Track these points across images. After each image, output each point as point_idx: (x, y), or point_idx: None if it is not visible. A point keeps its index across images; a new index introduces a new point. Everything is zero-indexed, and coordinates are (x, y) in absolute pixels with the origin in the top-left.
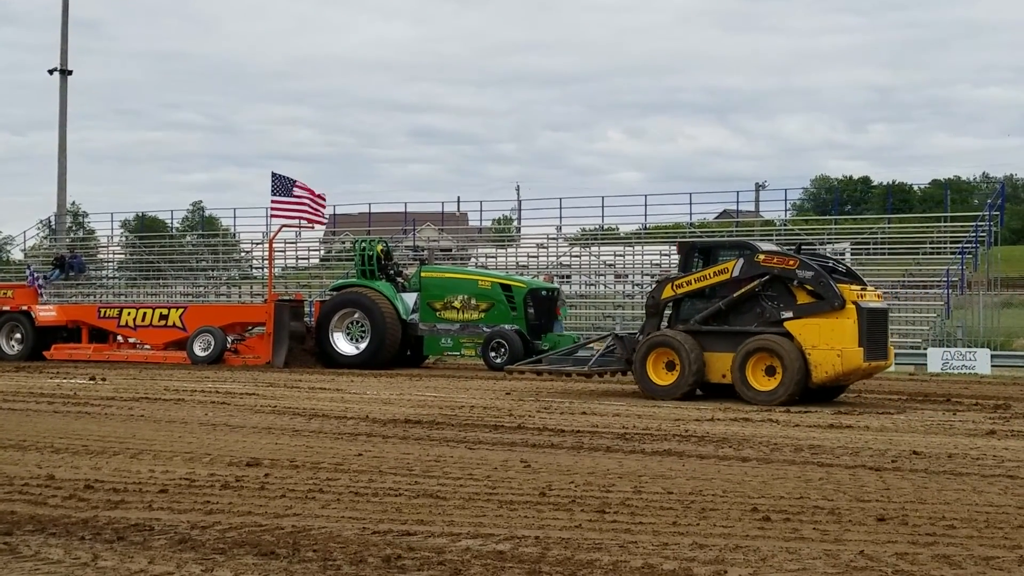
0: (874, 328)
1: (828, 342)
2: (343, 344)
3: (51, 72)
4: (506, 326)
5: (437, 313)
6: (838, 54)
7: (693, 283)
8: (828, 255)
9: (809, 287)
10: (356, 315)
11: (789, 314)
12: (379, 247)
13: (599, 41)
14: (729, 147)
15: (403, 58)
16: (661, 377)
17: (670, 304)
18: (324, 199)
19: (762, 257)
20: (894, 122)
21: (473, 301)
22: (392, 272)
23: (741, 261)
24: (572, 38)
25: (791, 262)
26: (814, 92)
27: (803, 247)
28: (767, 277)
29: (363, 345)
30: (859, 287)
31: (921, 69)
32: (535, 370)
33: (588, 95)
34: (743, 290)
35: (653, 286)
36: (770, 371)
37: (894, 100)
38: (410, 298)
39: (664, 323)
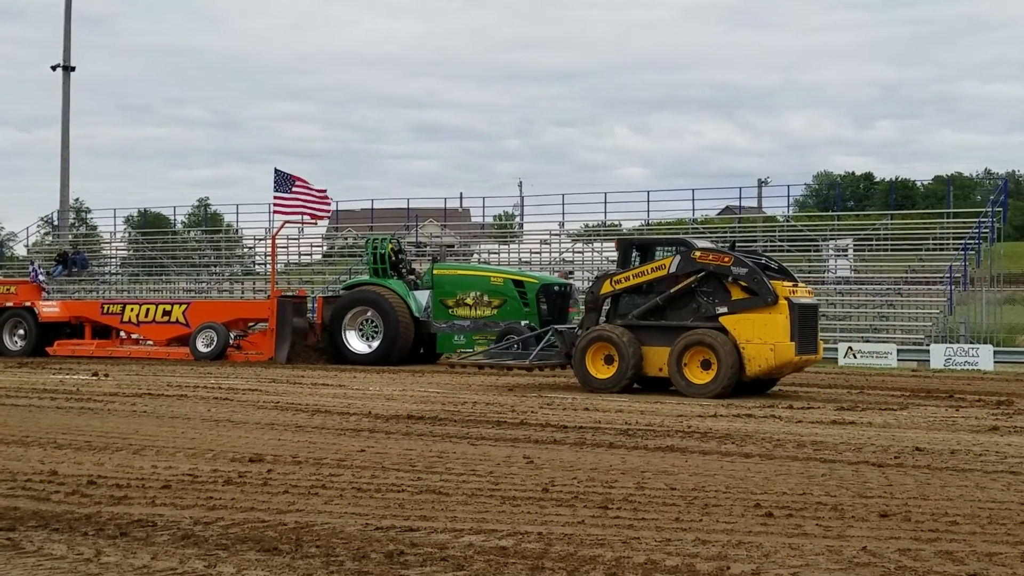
0: (805, 323)
1: (761, 336)
2: (356, 343)
3: (54, 68)
4: (519, 322)
5: (450, 310)
6: (844, 50)
7: (631, 279)
8: (761, 253)
9: (743, 283)
10: (369, 313)
11: (724, 309)
12: (390, 245)
13: (605, 37)
14: (735, 143)
15: (409, 54)
16: (600, 371)
17: (609, 299)
18: (325, 194)
19: (698, 254)
20: (900, 118)
21: (486, 298)
22: (404, 270)
23: (678, 258)
24: (578, 34)
25: (726, 259)
26: (820, 88)
27: (735, 244)
28: (703, 273)
29: (376, 343)
30: (791, 283)
31: (927, 65)
32: (478, 363)
33: (594, 91)
34: (680, 286)
35: (592, 282)
36: (706, 365)
37: (900, 96)
38: (423, 296)
39: (603, 318)
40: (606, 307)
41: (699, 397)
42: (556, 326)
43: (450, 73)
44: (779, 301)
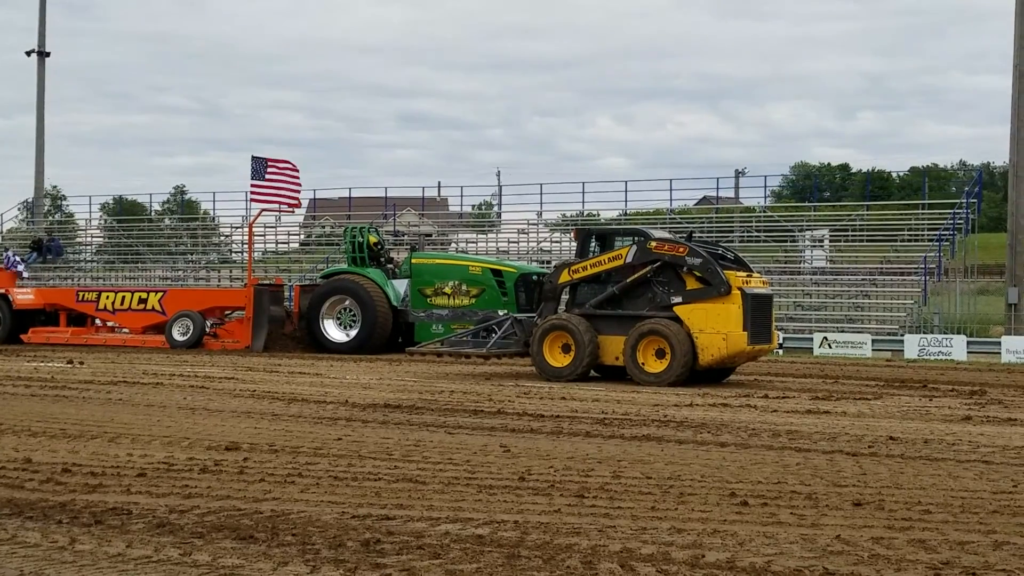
0: (758, 313)
1: (714, 326)
2: (334, 331)
3: (28, 54)
4: (497, 311)
5: (428, 299)
6: (833, 41)
7: (589, 268)
8: (719, 243)
9: (698, 273)
10: (347, 302)
11: (678, 299)
12: (370, 235)
13: (592, 26)
14: (719, 134)
15: (396, 42)
16: (557, 359)
17: (567, 289)
18: (296, 171)
19: (654, 244)
20: (884, 110)
21: (464, 287)
22: (382, 259)
23: (634, 248)
24: (565, 23)
25: (681, 249)
26: (806, 79)
27: (693, 235)
28: (659, 263)
29: (354, 332)
30: (745, 274)
31: (914, 56)
32: (436, 351)
33: (579, 81)
34: (636, 275)
35: (551, 271)
36: (660, 354)
37: (885, 88)
38: (401, 285)
39: (561, 307)
40: (565, 296)
41: (653, 386)
42: (515, 314)
43: (437, 62)
44: (732, 291)
